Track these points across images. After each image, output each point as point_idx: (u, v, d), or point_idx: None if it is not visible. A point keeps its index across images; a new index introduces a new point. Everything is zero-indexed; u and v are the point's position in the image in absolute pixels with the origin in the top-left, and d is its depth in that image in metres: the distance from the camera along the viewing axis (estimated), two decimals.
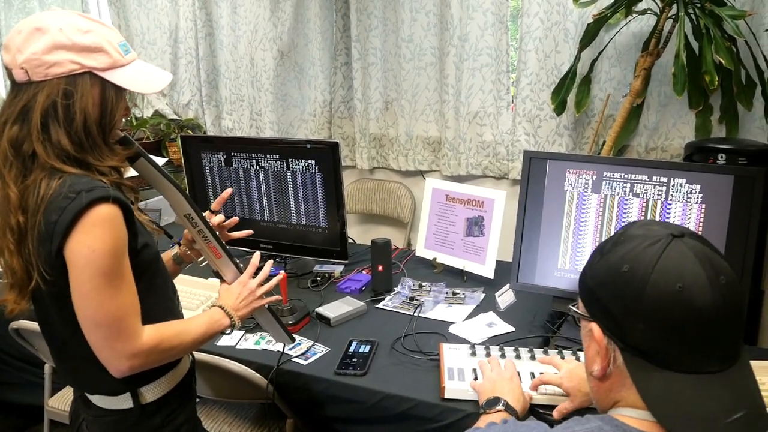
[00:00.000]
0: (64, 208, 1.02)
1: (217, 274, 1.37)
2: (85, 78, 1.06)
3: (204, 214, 1.31)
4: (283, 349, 1.60)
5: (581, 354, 1.48)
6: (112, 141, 1.13)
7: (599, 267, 0.83)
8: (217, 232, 1.34)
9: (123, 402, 1.20)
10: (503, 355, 1.50)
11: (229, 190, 1.54)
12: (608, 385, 0.82)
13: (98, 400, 1.21)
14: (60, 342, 1.19)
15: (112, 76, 1.09)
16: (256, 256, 1.39)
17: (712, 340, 0.75)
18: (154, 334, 1.13)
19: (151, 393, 1.21)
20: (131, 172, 1.21)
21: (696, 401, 0.73)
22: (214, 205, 1.49)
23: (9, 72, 1.06)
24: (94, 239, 1.03)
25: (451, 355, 1.51)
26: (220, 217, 1.40)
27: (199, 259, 1.43)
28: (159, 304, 1.22)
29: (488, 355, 1.50)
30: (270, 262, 1.39)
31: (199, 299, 1.88)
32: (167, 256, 1.41)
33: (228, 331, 1.28)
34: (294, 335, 1.70)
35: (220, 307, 1.28)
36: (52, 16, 1.06)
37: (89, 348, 1.09)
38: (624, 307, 0.77)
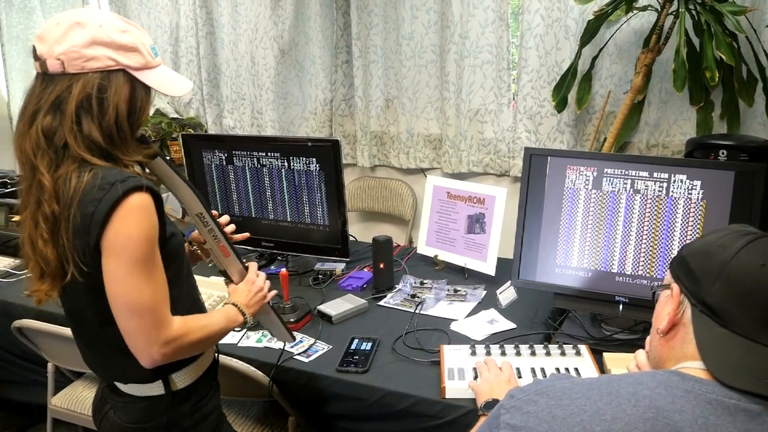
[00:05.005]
0: (100, 200, 1.04)
1: (223, 274, 1.41)
2: (118, 75, 1.10)
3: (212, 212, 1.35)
4: (284, 347, 1.61)
5: (582, 347, 1.51)
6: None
7: (697, 243, 0.93)
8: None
9: (155, 389, 1.22)
10: (503, 353, 1.51)
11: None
12: (671, 342, 0.91)
13: (129, 388, 1.24)
14: (92, 333, 1.20)
15: (143, 76, 1.12)
16: (254, 265, 1.43)
17: None
18: (183, 324, 1.15)
19: (181, 380, 1.25)
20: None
21: (745, 358, 0.82)
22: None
23: (42, 62, 1.07)
24: (130, 227, 1.05)
25: (451, 356, 1.52)
26: (226, 218, 1.45)
27: (207, 259, 1.46)
28: (186, 293, 1.26)
29: (488, 354, 1.51)
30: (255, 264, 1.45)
31: (202, 296, 1.88)
32: None
33: (238, 328, 1.30)
34: (295, 333, 1.72)
35: (234, 304, 1.32)
36: (92, 13, 1.09)
37: (122, 339, 1.11)
38: (708, 268, 0.86)
